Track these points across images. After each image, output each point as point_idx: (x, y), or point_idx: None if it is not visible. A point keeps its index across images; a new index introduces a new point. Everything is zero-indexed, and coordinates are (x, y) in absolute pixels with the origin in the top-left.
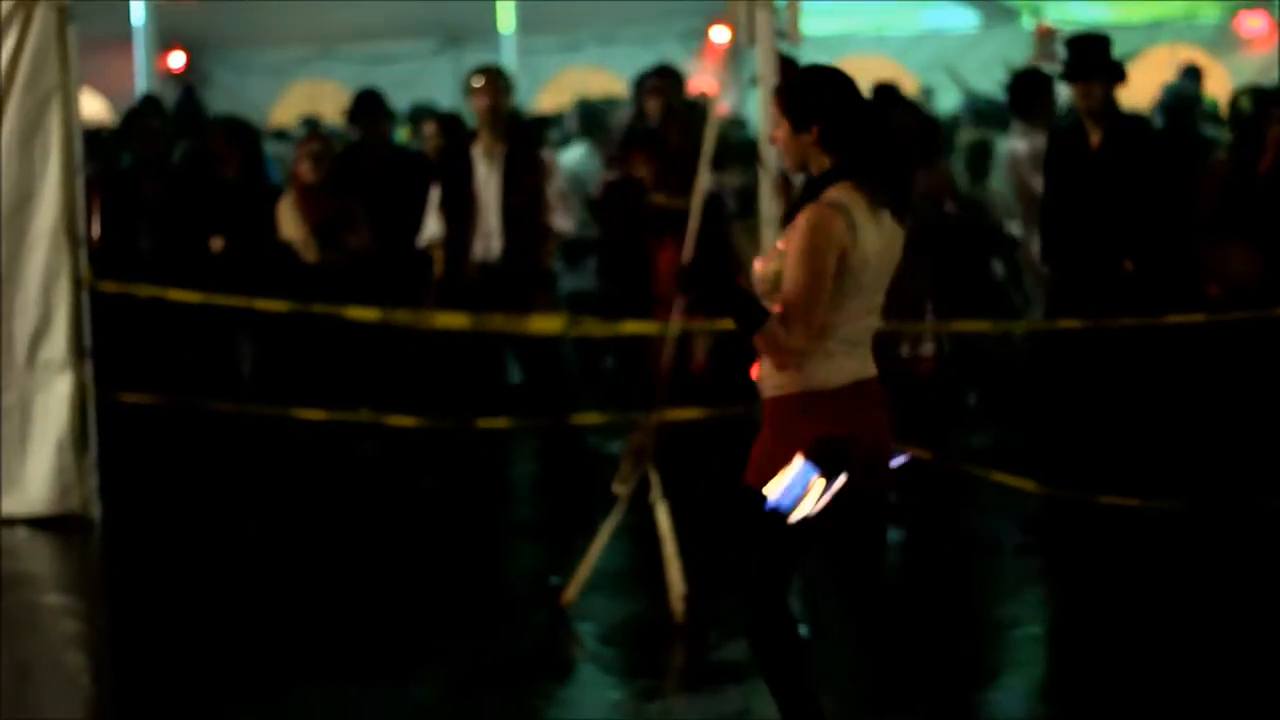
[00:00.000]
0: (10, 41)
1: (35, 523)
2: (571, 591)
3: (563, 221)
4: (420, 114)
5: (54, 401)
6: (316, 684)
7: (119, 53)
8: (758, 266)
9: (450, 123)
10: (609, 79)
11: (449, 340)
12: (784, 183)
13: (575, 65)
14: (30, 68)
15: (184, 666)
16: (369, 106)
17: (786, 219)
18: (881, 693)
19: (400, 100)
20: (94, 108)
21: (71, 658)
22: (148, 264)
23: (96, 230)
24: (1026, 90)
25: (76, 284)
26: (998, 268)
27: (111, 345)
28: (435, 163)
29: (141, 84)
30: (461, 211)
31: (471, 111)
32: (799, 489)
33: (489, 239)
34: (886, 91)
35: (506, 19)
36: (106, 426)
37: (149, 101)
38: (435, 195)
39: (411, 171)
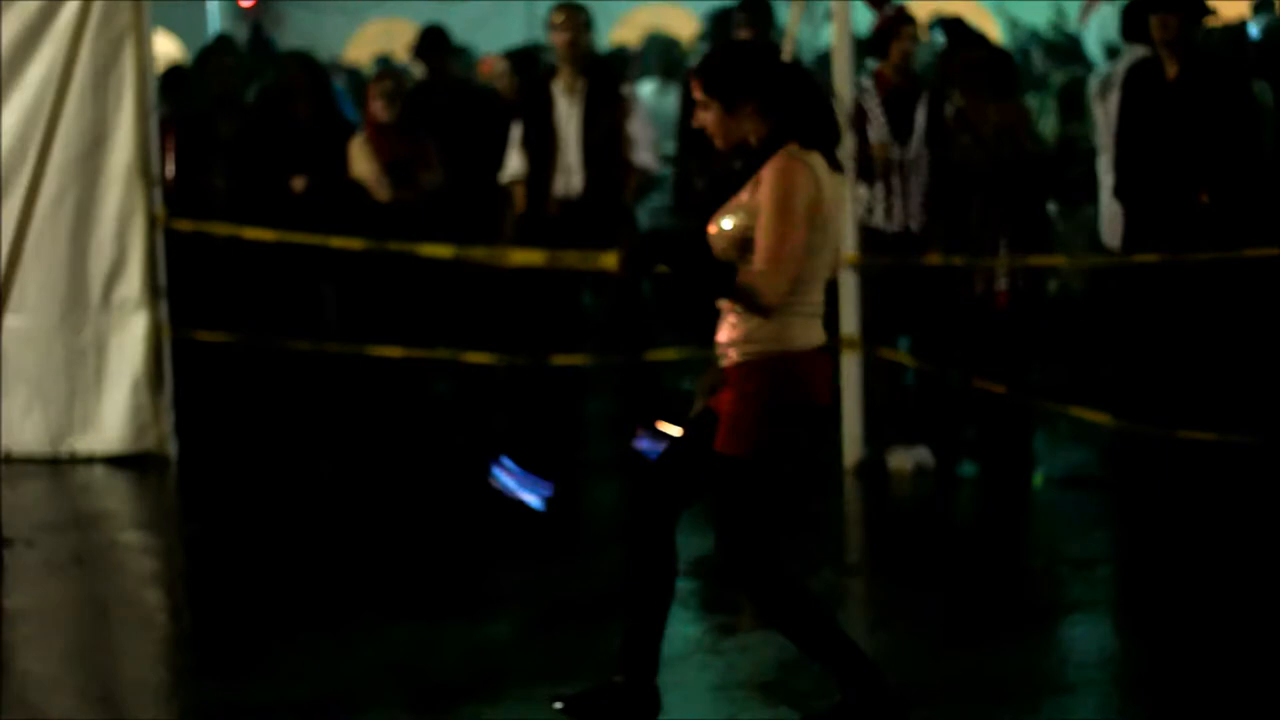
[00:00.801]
0: None
1: (112, 461)
2: None
3: (644, 157)
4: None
5: (129, 341)
6: (392, 621)
7: None
8: (710, 229)
9: (524, 59)
10: (682, 15)
11: (526, 277)
12: (859, 113)
13: (648, 3)
14: (103, 9)
15: (259, 604)
16: (435, 43)
17: (736, 185)
18: (954, 630)
19: (474, 38)
20: (167, 48)
21: (149, 595)
22: (222, 202)
23: (171, 170)
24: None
25: (151, 223)
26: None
27: (187, 284)
28: (509, 99)
29: (214, 24)
30: (543, 148)
31: (551, 47)
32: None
33: (570, 175)
34: (955, 25)
35: None
36: (182, 365)
37: (222, 40)
38: (516, 132)
39: (484, 108)
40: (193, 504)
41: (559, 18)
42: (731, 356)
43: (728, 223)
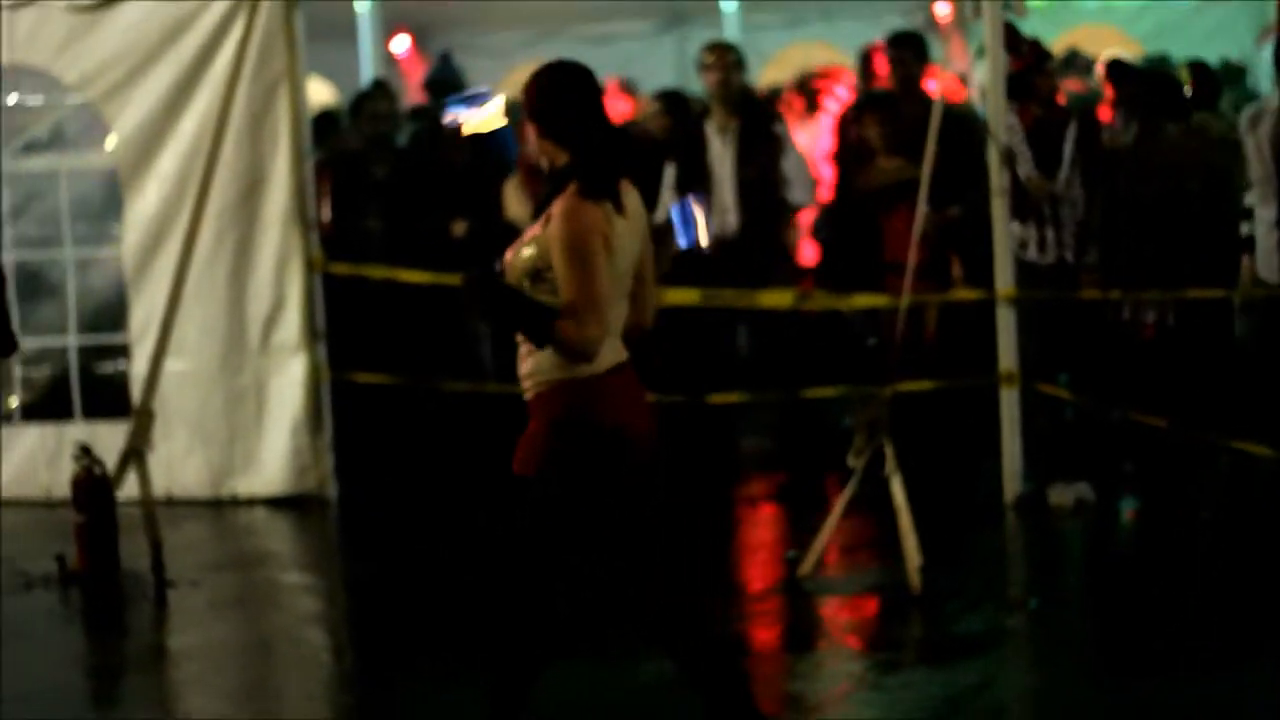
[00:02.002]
0: (238, 29)
1: (273, 502)
2: (808, 564)
3: (799, 195)
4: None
5: (288, 383)
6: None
7: (344, 40)
8: (508, 255)
9: (675, 100)
10: (832, 54)
11: (681, 315)
12: (1009, 155)
13: (798, 41)
14: (258, 55)
15: (421, 644)
16: None
17: (537, 213)
18: (1118, 665)
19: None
20: (321, 94)
21: (312, 635)
22: (378, 245)
23: (327, 213)
24: None
25: (308, 266)
26: None
27: (345, 326)
28: (661, 139)
29: (367, 70)
30: (697, 187)
31: (703, 88)
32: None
33: (725, 214)
34: (1117, 66)
35: None
36: (342, 407)
37: (377, 85)
38: (670, 172)
39: (636, 148)
40: (354, 545)
41: (710, 57)
42: (529, 390)
43: (525, 251)
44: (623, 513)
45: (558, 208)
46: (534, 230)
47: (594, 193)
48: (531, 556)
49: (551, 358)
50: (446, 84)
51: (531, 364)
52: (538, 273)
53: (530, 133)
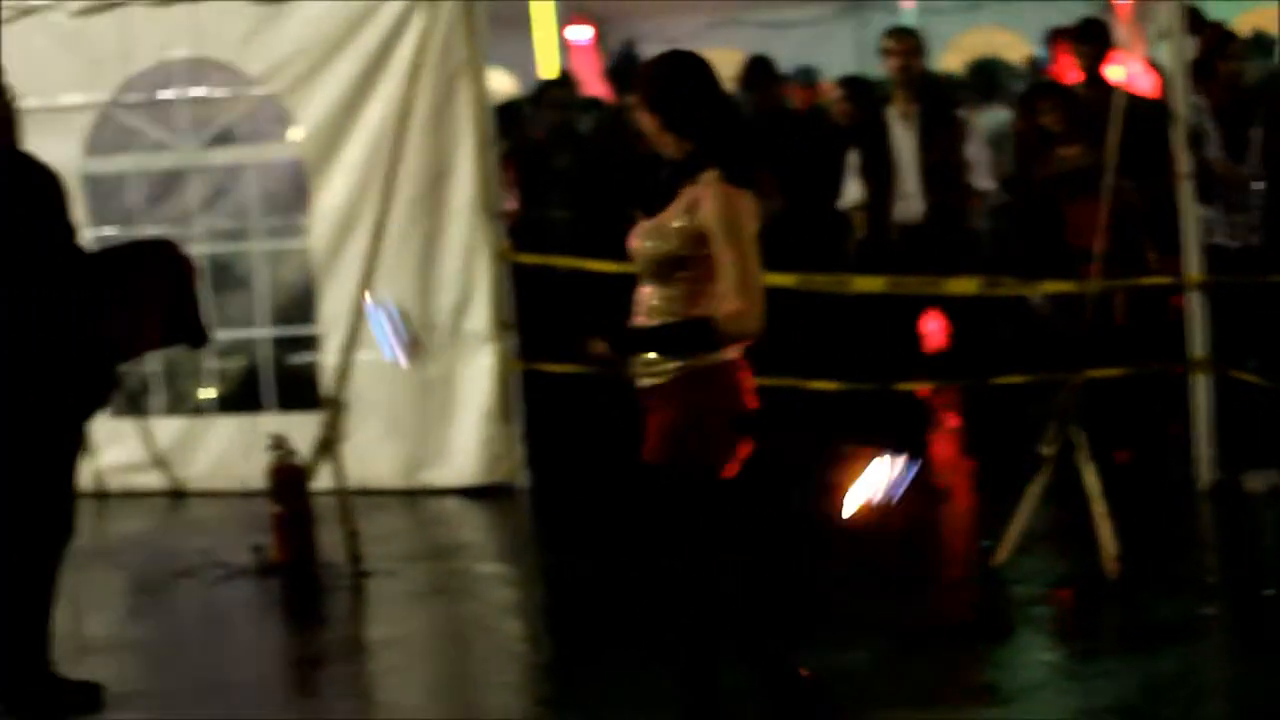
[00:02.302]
0: (420, 20)
1: (465, 492)
2: (1002, 553)
3: (983, 181)
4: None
5: (478, 373)
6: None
7: (524, 30)
8: (634, 244)
9: (857, 86)
10: (1012, 39)
11: (867, 303)
12: (1195, 136)
13: (977, 26)
14: (440, 46)
15: (614, 633)
16: (760, 72)
17: (653, 203)
18: None
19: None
20: (502, 84)
21: (508, 625)
22: (564, 235)
23: (513, 203)
24: None
25: (496, 257)
26: None
27: (534, 316)
28: (843, 126)
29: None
30: (881, 174)
31: (884, 73)
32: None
33: (909, 201)
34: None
35: None
36: (533, 397)
37: (561, 74)
38: (853, 158)
39: (817, 135)
40: (547, 534)
41: (891, 42)
42: (658, 376)
43: (659, 243)
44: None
45: (708, 195)
46: (665, 217)
47: (738, 180)
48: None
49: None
50: (629, 74)
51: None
52: (680, 260)
53: (647, 123)
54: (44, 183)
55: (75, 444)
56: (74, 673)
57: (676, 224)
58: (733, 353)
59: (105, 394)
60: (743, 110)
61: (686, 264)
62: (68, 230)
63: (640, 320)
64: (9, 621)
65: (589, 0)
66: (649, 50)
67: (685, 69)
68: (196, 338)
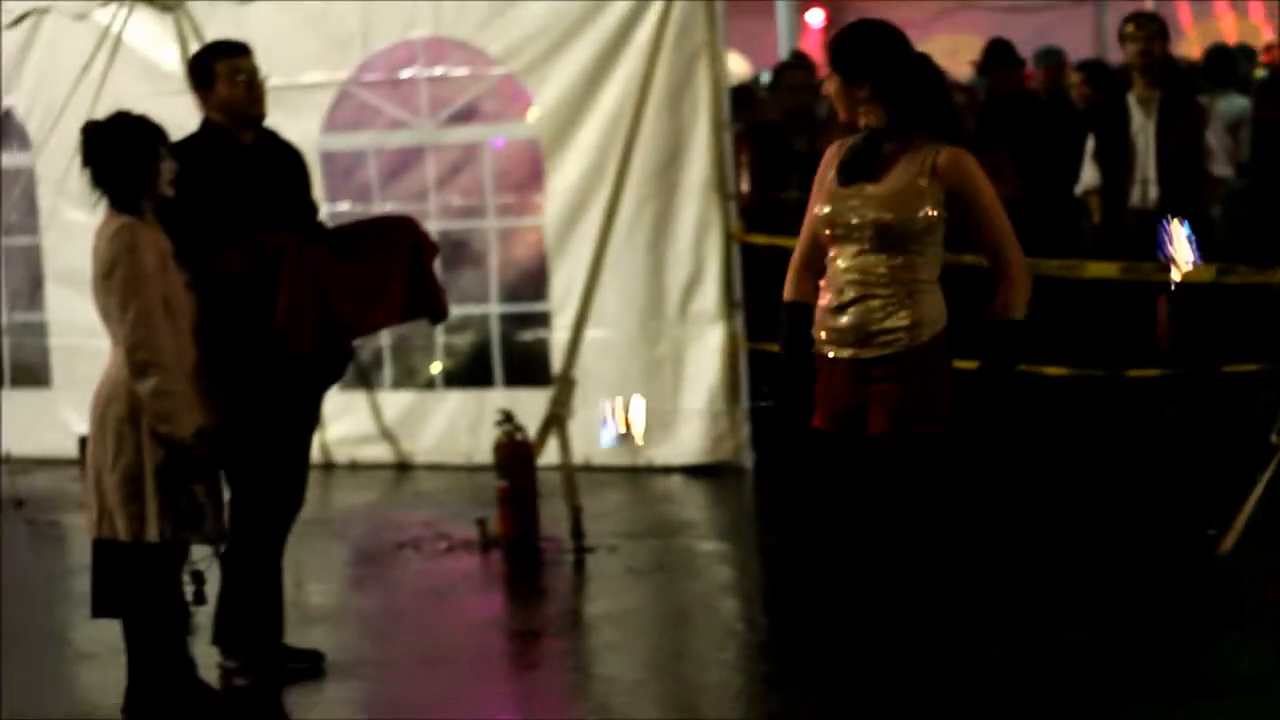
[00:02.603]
0: (660, 3)
1: (689, 470)
2: (1228, 541)
3: (1221, 168)
4: (1048, 61)
5: (706, 352)
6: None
7: (762, 15)
8: (842, 214)
9: (1097, 70)
10: (1248, 27)
11: (1101, 288)
12: None
13: (1212, 15)
14: (678, 27)
15: (836, 612)
16: (1001, 56)
17: (853, 169)
18: None
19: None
20: (739, 68)
21: (727, 603)
22: (796, 217)
23: (745, 184)
24: None
25: (727, 237)
26: None
27: (762, 296)
28: (1083, 110)
29: (784, 44)
30: (1118, 158)
31: (1125, 59)
32: None
33: (1146, 186)
34: None
35: None
36: (758, 377)
37: (796, 56)
38: (1091, 143)
39: (1057, 119)
40: (770, 514)
41: (1133, 28)
42: (897, 344)
43: (892, 210)
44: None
45: (956, 162)
46: (888, 186)
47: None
48: (920, 520)
49: (936, 308)
50: None
51: (909, 317)
52: (927, 227)
53: (848, 94)
54: (289, 159)
55: (312, 418)
56: (297, 641)
57: (923, 182)
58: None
59: (341, 368)
60: (979, 93)
61: (929, 231)
62: (310, 207)
63: (841, 296)
64: (243, 588)
65: None
66: None
67: (886, 36)
68: (436, 313)
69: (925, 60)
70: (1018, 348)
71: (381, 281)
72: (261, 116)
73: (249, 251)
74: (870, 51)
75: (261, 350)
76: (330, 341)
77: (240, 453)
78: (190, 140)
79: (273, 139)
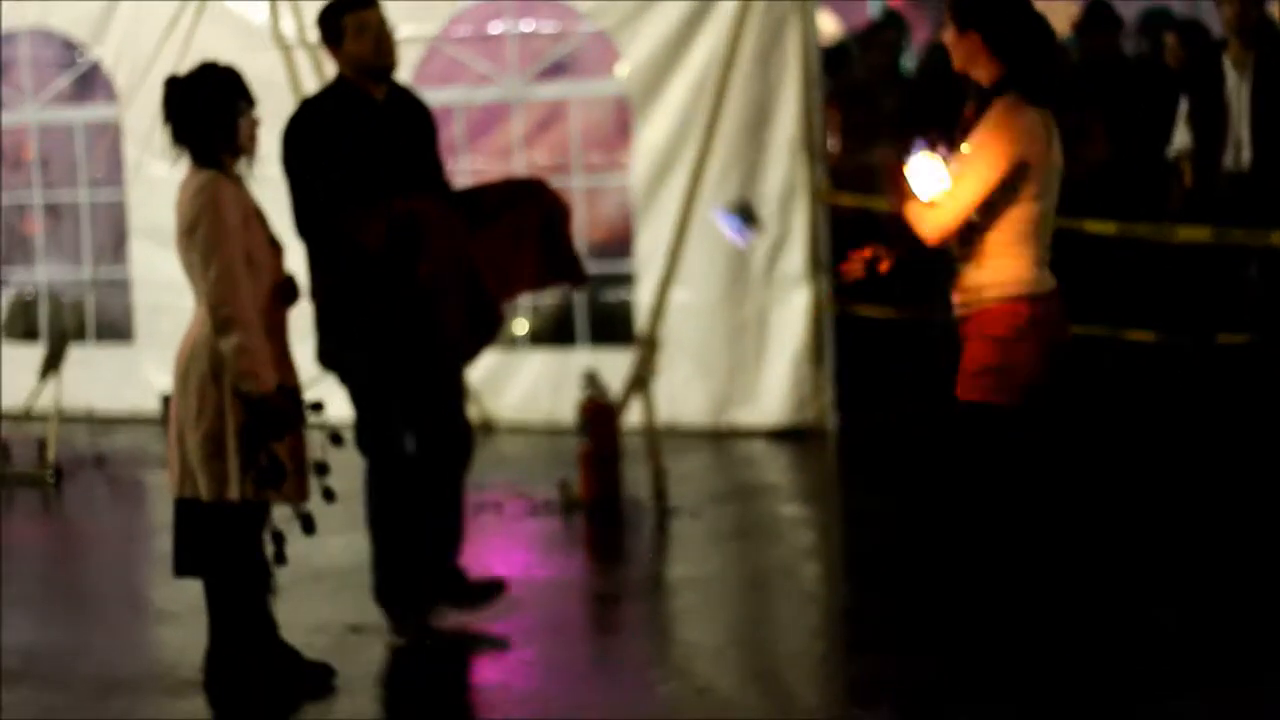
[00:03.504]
0: None
1: (772, 434)
2: None
3: None
4: (1154, 22)
5: (791, 314)
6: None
7: None
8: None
9: (1192, 32)
10: None
11: (1192, 253)
12: None
13: None
14: None
15: (919, 580)
16: (1099, 17)
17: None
18: None
19: (1132, 11)
20: (827, 26)
21: (809, 568)
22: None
23: (835, 145)
24: None
25: (814, 198)
26: None
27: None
28: (1177, 73)
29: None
30: (1212, 122)
31: (1221, 20)
32: None
33: (1239, 149)
34: None
35: None
36: (844, 340)
37: (889, 15)
38: (1184, 106)
39: (1152, 81)
40: (853, 478)
41: None
42: (972, 305)
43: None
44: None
45: (995, 110)
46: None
47: (1039, 101)
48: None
49: (1005, 271)
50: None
51: (982, 278)
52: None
53: (962, 44)
54: (420, 116)
55: (459, 385)
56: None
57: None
58: (1036, 286)
59: (490, 337)
60: (1072, 53)
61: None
62: (439, 166)
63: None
64: (441, 529)
65: None
66: None
67: None
68: (575, 276)
69: (1039, 19)
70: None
71: (517, 248)
72: (390, 68)
73: (389, 220)
74: (983, 4)
75: (406, 326)
76: (478, 314)
77: (387, 421)
78: (321, 97)
79: (406, 95)
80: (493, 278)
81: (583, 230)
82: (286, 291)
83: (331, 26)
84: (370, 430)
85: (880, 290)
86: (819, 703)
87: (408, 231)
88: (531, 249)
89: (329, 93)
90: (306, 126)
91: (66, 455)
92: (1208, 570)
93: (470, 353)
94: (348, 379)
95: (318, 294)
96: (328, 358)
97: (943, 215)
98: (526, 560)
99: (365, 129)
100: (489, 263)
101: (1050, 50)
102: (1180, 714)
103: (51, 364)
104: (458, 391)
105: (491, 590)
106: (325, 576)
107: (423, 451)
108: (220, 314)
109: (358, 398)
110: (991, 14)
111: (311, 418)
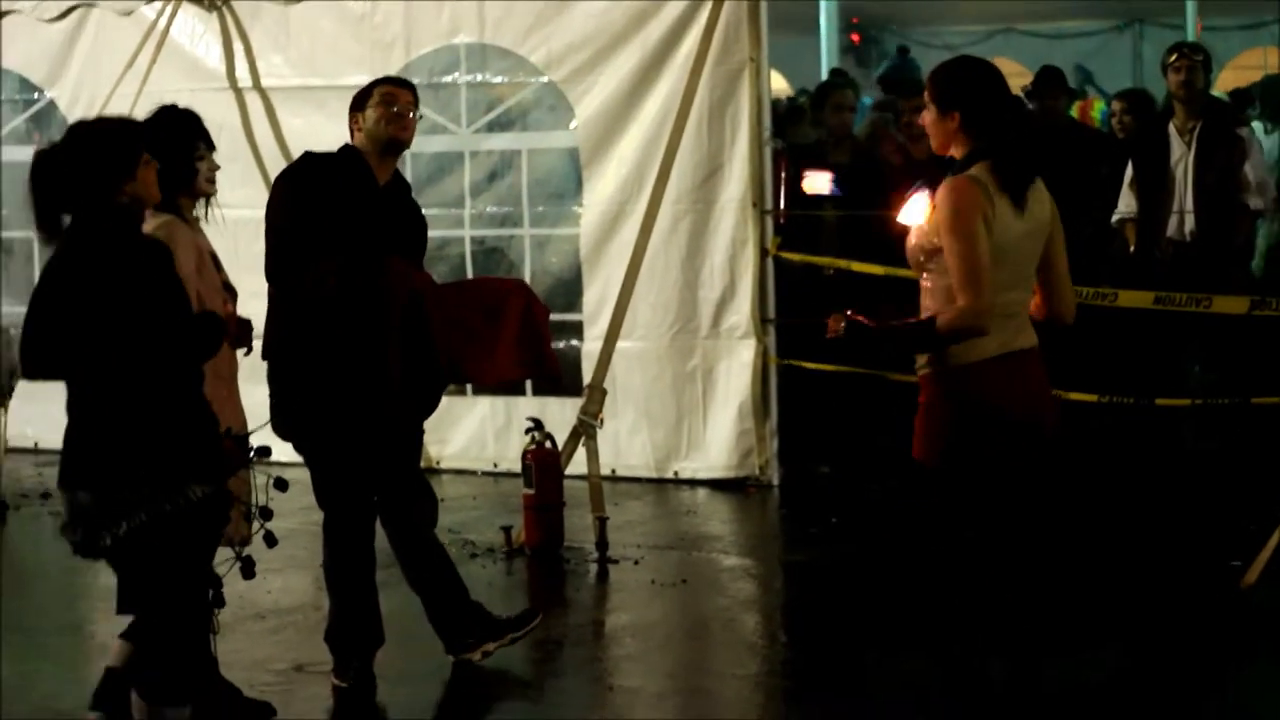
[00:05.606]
0: (704, 17)
1: (716, 484)
2: (1253, 574)
3: (1256, 201)
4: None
5: (737, 367)
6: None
7: (802, 34)
8: (911, 241)
9: (1138, 99)
10: None
11: (1133, 317)
12: None
13: (1258, 45)
14: (722, 43)
15: (857, 631)
16: (1050, 83)
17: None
18: None
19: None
20: (778, 85)
21: (748, 618)
22: (832, 235)
23: (783, 201)
24: None
25: (762, 253)
26: None
27: (795, 314)
28: (1124, 139)
29: (824, 64)
30: (1155, 188)
31: (1166, 88)
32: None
33: (1183, 217)
34: None
35: None
36: (788, 393)
37: (838, 75)
38: (1129, 171)
39: (1098, 147)
40: (795, 530)
41: (1174, 57)
42: (919, 370)
43: (919, 239)
44: (1002, 497)
45: (940, 190)
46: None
47: (1008, 181)
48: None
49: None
50: (903, 80)
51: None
52: (930, 254)
53: (939, 123)
54: (413, 212)
55: (418, 439)
56: (316, 642)
57: (924, 227)
58: (993, 352)
59: (434, 402)
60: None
61: (930, 258)
62: (419, 262)
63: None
64: (449, 578)
65: (866, 6)
66: (925, 56)
67: (984, 72)
68: (549, 373)
69: (1017, 101)
70: (902, 345)
71: (495, 336)
72: (402, 144)
73: (344, 264)
74: (964, 83)
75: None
76: (436, 380)
77: (337, 472)
78: (325, 156)
79: (404, 189)
80: (472, 362)
81: (531, 279)
82: (238, 335)
83: (363, 93)
84: (326, 488)
85: (826, 346)
86: None
87: (361, 276)
88: (510, 340)
89: (334, 155)
90: (300, 180)
91: (12, 489)
92: (1134, 629)
93: (411, 409)
94: (303, 446)
95: (270, 352)
96: (282, 428)
97: (969, 294)
98: None
99: (357, 202)
100: (466, 340)
101: (1025, 126)
102: None
103: None
104: (413, 449)
105: (528, 616)
106: (268, 615)
107: (385, 510)
108: None
109: (312, 460)
110: (974, 96)
111: (256, 463)
